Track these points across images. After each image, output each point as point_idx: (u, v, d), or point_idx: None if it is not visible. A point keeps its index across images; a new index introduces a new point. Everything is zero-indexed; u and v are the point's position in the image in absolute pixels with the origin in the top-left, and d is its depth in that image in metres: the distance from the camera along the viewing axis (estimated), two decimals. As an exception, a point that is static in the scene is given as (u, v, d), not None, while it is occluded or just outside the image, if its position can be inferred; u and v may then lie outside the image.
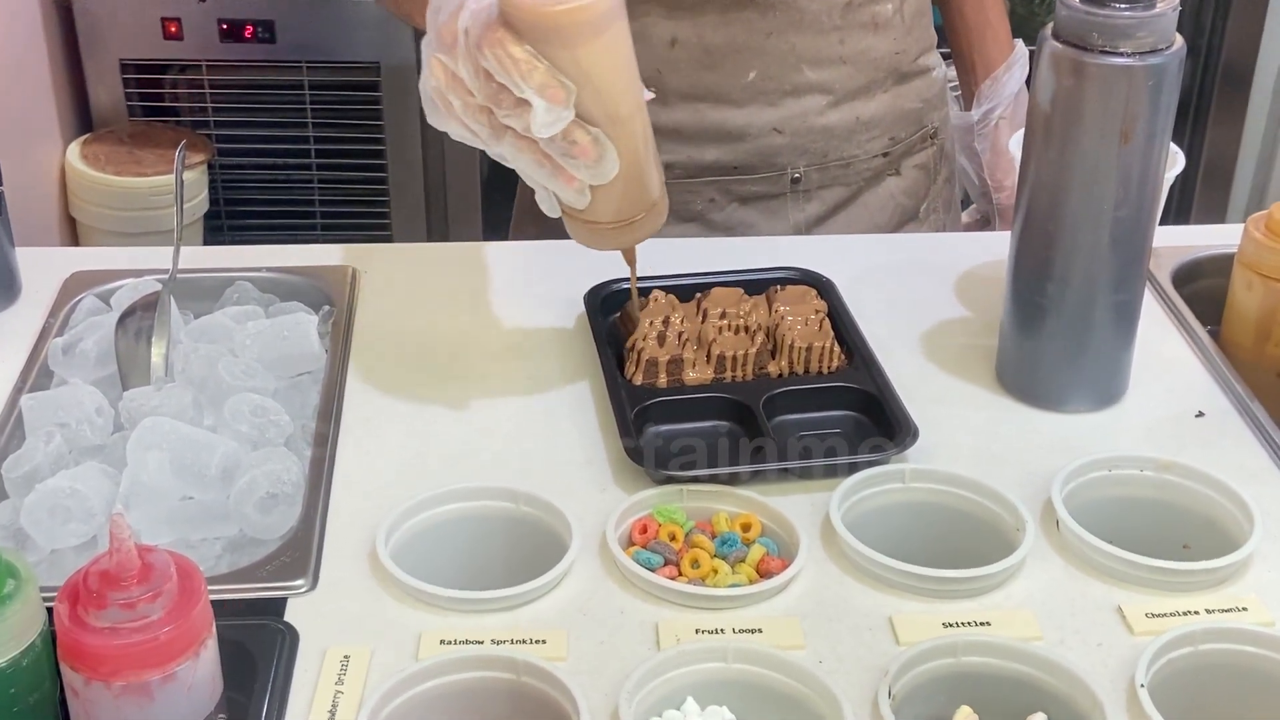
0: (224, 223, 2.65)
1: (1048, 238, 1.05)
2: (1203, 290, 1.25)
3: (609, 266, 1.22)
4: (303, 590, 0.91)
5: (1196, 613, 0.90)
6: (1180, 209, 2.97)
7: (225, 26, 2.50)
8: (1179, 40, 0.99)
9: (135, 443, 0.99)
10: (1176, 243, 1.30)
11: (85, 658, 0.76)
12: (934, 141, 1.46)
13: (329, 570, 0.93)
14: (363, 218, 2.66)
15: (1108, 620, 0.90)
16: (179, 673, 0.77)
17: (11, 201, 1.18)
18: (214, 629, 0.80)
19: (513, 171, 0.99)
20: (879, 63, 1.37)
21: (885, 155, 1.41)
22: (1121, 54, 0.98)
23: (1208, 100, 2.89)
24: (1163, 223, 1.20)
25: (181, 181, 1.19)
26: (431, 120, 0.95)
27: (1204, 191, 2.96)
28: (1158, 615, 0.90)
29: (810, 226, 1.40)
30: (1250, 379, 1.13)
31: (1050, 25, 1.01)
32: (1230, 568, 0.93)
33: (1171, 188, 1.22)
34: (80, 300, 1.18)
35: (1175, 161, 1.18)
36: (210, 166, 2.57)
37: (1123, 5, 0.97)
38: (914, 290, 1.25)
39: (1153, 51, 0.98)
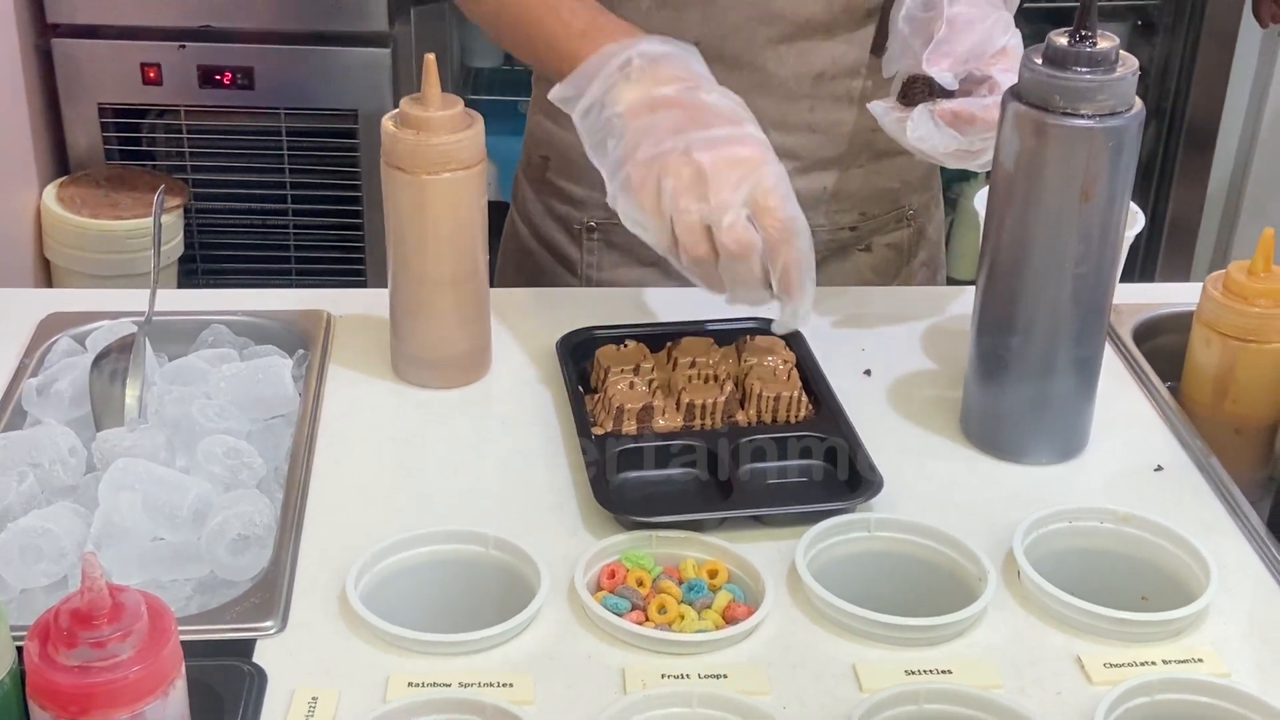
0: (198, 266, 2.67)
1: (1011, 293, 1.07)
2: (1163, 347, 1.28)
3: (581, 315, 1.24)
4: (272, 631, 0.92)
5: (1154, 663, 0.92)
6: (1145, 267, 3.02)
7: (204, 72, 2.52)
8: (1138, 103, 1.02)
9: (108, 483, 1.00)
10: (1138, 300, 1.32)
11: (54, 696, 0.76)
12: (910, 223, 1.45)
13: (298, 612, 0.94)
14: (337, 263, 2.67)
15: (1067, 669, 0.92)
16: (147, 712, 0.78)
17: (-12, 244, 1.20)
18: (183, 669, 0.80)
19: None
20: (852, 137, 1.36)
21: (853, 230, 1.41)
22: (1082, 116, 1.00)
23: (1172, 161, 2.94)
24: (1128, 280, 1.23)
25: (160, 225, 1.20)
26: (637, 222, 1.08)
27: (1168, 250, 3.01)
28: (1116, 665, 0.91)
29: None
30: (1208, 434, 1.16)
31: (1014, 86, 1.03)
32: (1187, 619, 0.95)
33: (1135, 246, 1.25)
34: (55, 341, 1.19)
35: (1135, 221, 1.21)
36: (186, 210, 2.58)
37: (1084, 69, 1.00)
38: (881, 343, 1.27)
39: (1112, 114, 1.00)
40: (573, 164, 1.38)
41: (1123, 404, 1.20)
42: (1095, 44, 1.00)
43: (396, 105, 1.11)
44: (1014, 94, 1.03)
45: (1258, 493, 1.16)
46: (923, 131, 1.14)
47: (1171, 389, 1.22)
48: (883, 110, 1.17)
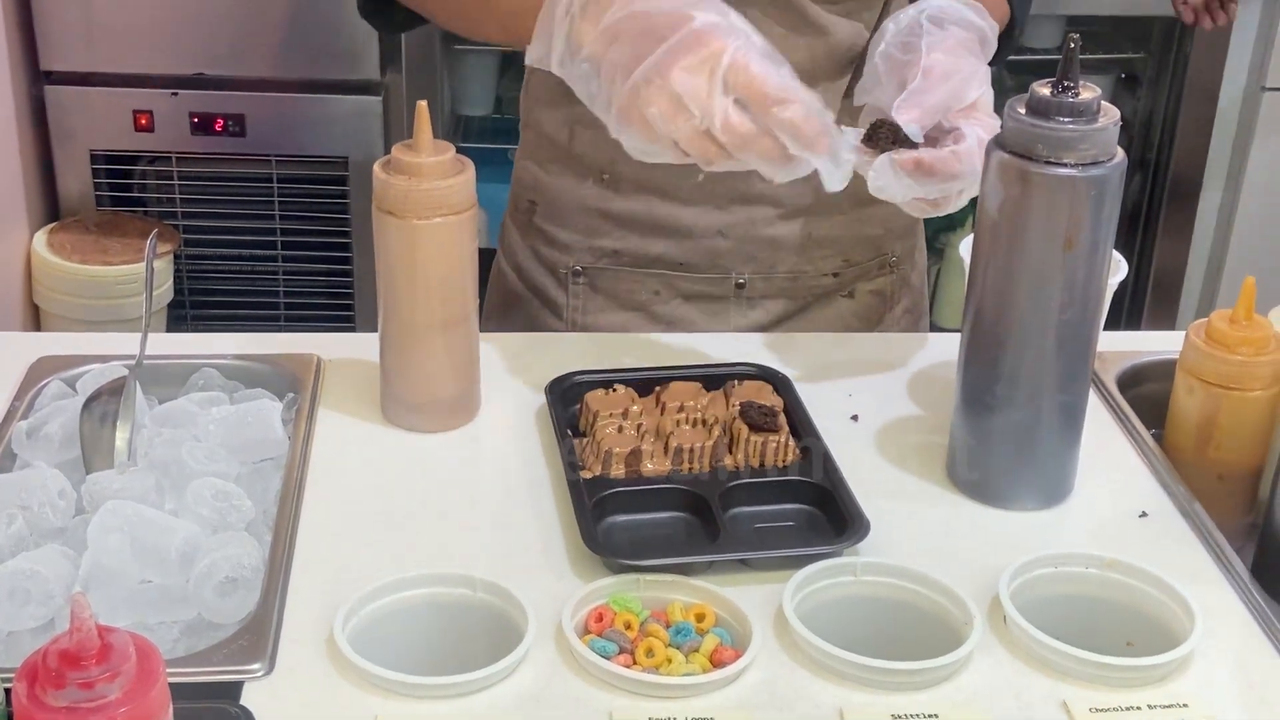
0: (188, 312, 2.68)
1: (996, 340, 1.08)
2: (1147, 394, 1.29)
3: (569, 359, 1.25)
4: (259, 674, 0.92)
5: (1139, 708, 0.92)
6: (1131, 316, 3.04)
7: (196, 120, 2.55)
8: (1120, 153, 1.03)
9: (96, 525, 1.00)
10: (1122, 348, 1.33)
11: (42, 736, 0.76)
12: (893, 270, 1.46)
13: (286, 655, 0.94)
14: (326, 309, 2.68)
15: (1053, 714, 0.92)
16: (135, 753, 0.78)
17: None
18: (171, 711, 0.80)
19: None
20: None
21: (836, 275, 1.41)
22: (1065, 165, 1.01)
23: (1157, 213, 2.97)
24: (1113, 329, 1.24)
25: (152, 269, 1.21)
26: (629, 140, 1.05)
27: (1154, 300, 3.03)
28: (1101, 710, 0.92)
29: (750, 334, 1.40)
30: (1192, 481, 1.16)
31: (998, 135, 1.05)
32: (1172, 664, 0.95)
33: (1120, 295, 1.26)
34: (46, 384, 1.19)
35: (1118, 269, 1.22)
36: (176, 256, 2.59)
37: (1066, 119, 1.01)
38: (868, 388, 1.28)
39: (1095, 163, 1.02)
40: (559, 209, 1.39)
41: (1108, 451, 1.21)
42: (1078, 94, 1.02)
43: (387, 153, 1.12)
44: (998, 143, 1.04)
45: (1241, 539, 1.16)
46: (883, 181, 1.13)
47: (1156, 436, 1.23)
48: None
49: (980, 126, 1.11)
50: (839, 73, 1.32)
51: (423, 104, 1.10)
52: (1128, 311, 3.04)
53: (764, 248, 1.38)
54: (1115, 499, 1.14)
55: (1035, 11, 2.77)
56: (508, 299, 1.46)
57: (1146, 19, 2.88)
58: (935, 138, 1.13)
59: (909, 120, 1.10)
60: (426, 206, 1.10)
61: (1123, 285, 3.12)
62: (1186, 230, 2.96)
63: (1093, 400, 1.26)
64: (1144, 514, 1.12)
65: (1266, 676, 0.96)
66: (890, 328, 1.47)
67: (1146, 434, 1.22)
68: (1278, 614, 1.01)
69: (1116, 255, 1.20)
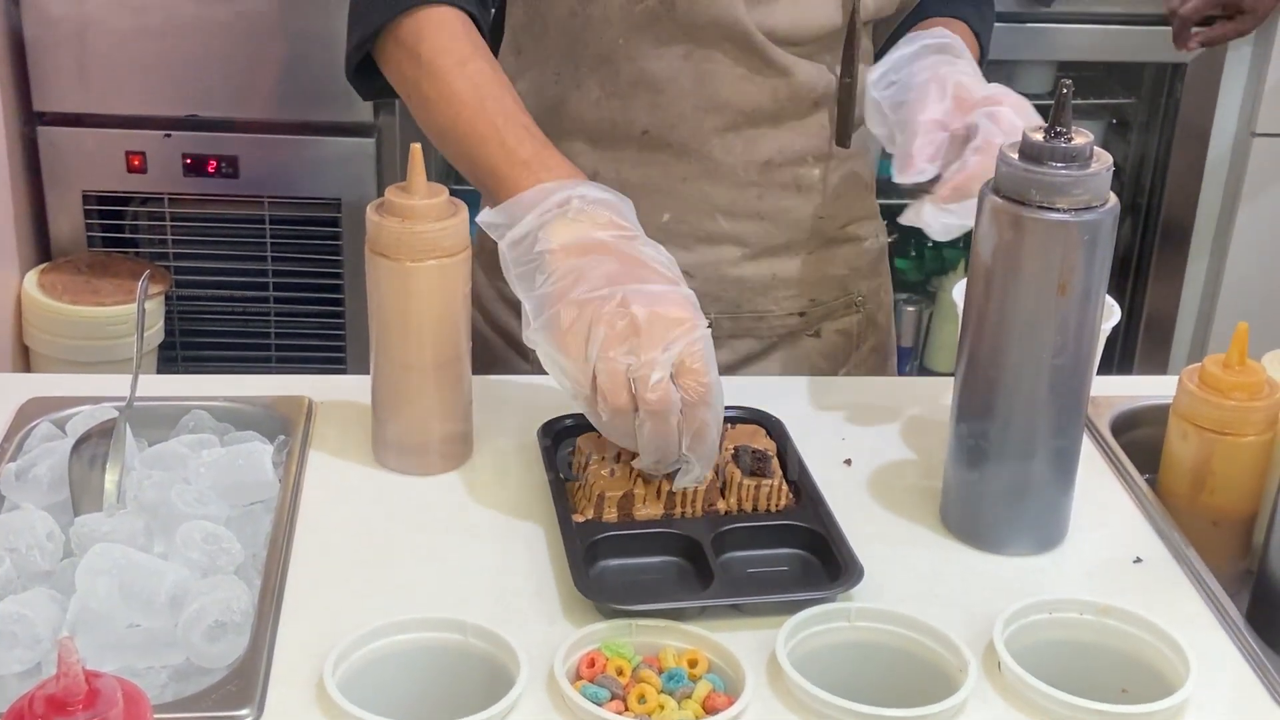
0: (178, 354, 2.67)
1: (989, 384, 1.08)
2: (1141, 439, 1.28)
3: (563, 402, 1.24)
4: (248, 719, 0.91)
5: (1134, 756, 0.92)
6: (1123, 361, 3.04)
7: (189, 161, 2.55)
8: (1113, 199, 1.03)
9: (84, 568, 1.00)
10: (1116, 393, 1.33)
11: (27, 784, 0.76)
12: (859, 310, 1.47)
13: (275, 699, 0.93)
14: (318, 350, 2.68)
15: (1048, 762, 0.91)
16: (121, 800, 0.77)
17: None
18: (158, 756, 0.80)
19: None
20: (800, 224, 1.38)
21: (802, 315, 1.42)
22: (1058, 210, 1.02)
23: (1148, 257, 2.98)
24: (1106, 373, 1.24)
25: (144, 310, 1.21)
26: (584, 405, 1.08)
27: (1145, 344, 3.04)
28: (1096, 758, 0.91)
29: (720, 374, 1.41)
30: (1186, 526, 1.16)
31: (991, 181, 1.05)
32: (1167, 711, 0.94)
33: (1112, 339, 1.26)
34: (35, 426, 1.19)
35: (1111, 314, 1.22)
36: (168, 297, 2.58)
37: (1059, 164, 1.02)
38: (862, 433, 1.28)
39: (1087, 208, 1.02)
40: None
41: (1102, 495, 1.20)
42: (1071, 139, 1.02)
43: (380, 194, 1.12)
44: (991, 188, 1.05)
45: (1236, 585, 1.16)
46: (943, 223, 1.18)
47: (1150, 481, 1.23)
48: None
49: (995, 120, 1.18)
50: (805, 112, 1.33)
51: (416, 146, 1.10)
52: (1119, 355, 3.05)
53: (730, 287, 1.38)
54: (1110, 544, 1.14)
55: (1027, 57, 2.82)
56: (477, 339, 1.45)
57: (1137, 65, 2.90)
58: (957, 152, 1.19)
59: (912, 176, 1.19)
60: (419, 249, 1.10)
61: (1115, 329, 3.12)
62: (1178, 274, 2.97)
63: (1086, 445, 1.26)
64: (1139, 559, 1.12)
65: (1263, 723, 0.96)
66: (857, 367, 1.48)
67: (1140, 479, 1.22)
68: (1273, 660, 1.01)
69: (1109, 300, 1.20)
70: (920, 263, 3.07)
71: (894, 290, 1.57)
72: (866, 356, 1.49)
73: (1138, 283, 3.02)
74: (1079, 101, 2.92)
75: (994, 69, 2.88)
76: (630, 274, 1.07)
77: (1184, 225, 2.92)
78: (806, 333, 1.44)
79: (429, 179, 1.12)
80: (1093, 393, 1.24)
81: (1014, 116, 1.19)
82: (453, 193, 1.14)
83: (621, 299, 1.05)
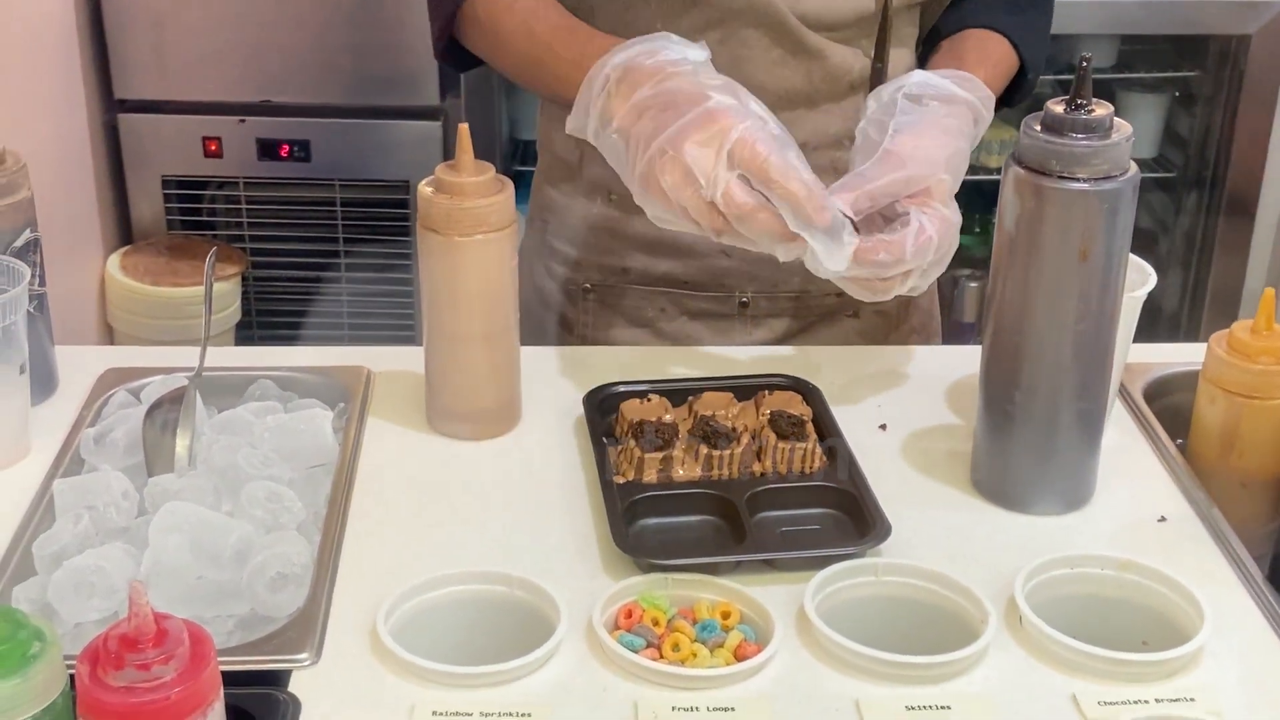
0: (255, 332, 2.75)
1: (1014, 349, 1.11)
2: (1174, 405, 1.31)
3: (607, 372, 1.30)
4: (306, 663, 0.98)
5: (1146, 701, 0.95)
6: (1189, 334, 3.04)
7: (263, 145, 2.63)
8: (1133, 168, 1.07)
9: (157, 525, 1.06)
10: (1150, 359, 1.36)
11: (102, 714, 0.82)
12: None
13: (332, 645, 0.99)
14: (389, 329, 2.75)
15: (1062, 706, 0.95)
16: (188, 731, 0.83)
17: (53, 308, 1.27)
18: (221, 693, 0.86)
19: None
20: None
21: (840, 295, 1.41)
22: (1079, 179, 1.05)
23: (1213, 230, 2.97)
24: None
25: (211, 285, 1.28)
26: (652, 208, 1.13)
27: (1211, 318, 3.03)
28: (1109, 703, 0.95)
29: (781, 346, 1.43)
30: (1216, 488, 1.19)
31: (1014, 151, 1.09)
32: (1180, 660, 0.98)
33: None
34: (112, 394, 1.26)
35: (1146, 279, 1.24)
36: (243, 278, 2.67)
37: (1079, 135, 1.05)
38: (898, 399, 1.32)
39: (1107, 178, 1.05)
40: (570, 228, 1.45)
41: (1132, 459, 1.23)
42: (1091, 111, 1.06)
43: (442, 176, 1.18)
44: (1014, 158, 1.08)
45: (1265, 545, 1.19)
46: (813, 262, 1.13)
47: (1181, 446, 1.26)
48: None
49: (928, 217, 1.12)
50: (841, 95, 1.36)
51: (464, 127, 1.16)
52: (1185, 328, 3.04)
53: (767, 267, 1.41)
54: (1136, 505, 1.17)
55: (1089, 31, 2.81)
56: (523, 312, 1.50)
57: (1202, 37, 2.89)
58: (891, 217, 1.14)
59: (843, 203, 1.11)
60: (467, 224, 1.15)
61: (1181, 301, 3.08)
62: (1244, 247, 2.96)
63: (1119, 410, 1.29)
64: (1163, 519, 1.15)
65: (1276, 675, 0.99)
66: (896, 345, 1.49)
67: (1170, 443, 1.25)
68: (1290, 614, 1.04)
69: (1145, 266, 1.23)
70: (984, 238, 3.08)
71: (958, 266, 1.58)
72: (905, 337, 1.51)
73: (1203, 256, 3.01)
74: (1143, 75, 2.93)
75: (1057, 43, 2.89)
76: (669, 114, 1.12)
77: (1249, 198, 2.91)
78: (845, 313, 1.47)
79: (492, 160, 1.18)
80: (1128, 359, 1.28)
81: (927, 225, 1.12)
82: (516, 175, 1.19)
83: (664, 145, 1.10)
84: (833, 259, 1.09)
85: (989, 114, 1.23)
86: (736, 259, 1.40)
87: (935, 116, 1.17)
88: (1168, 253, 3.06)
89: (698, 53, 1.18)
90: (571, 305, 1.46)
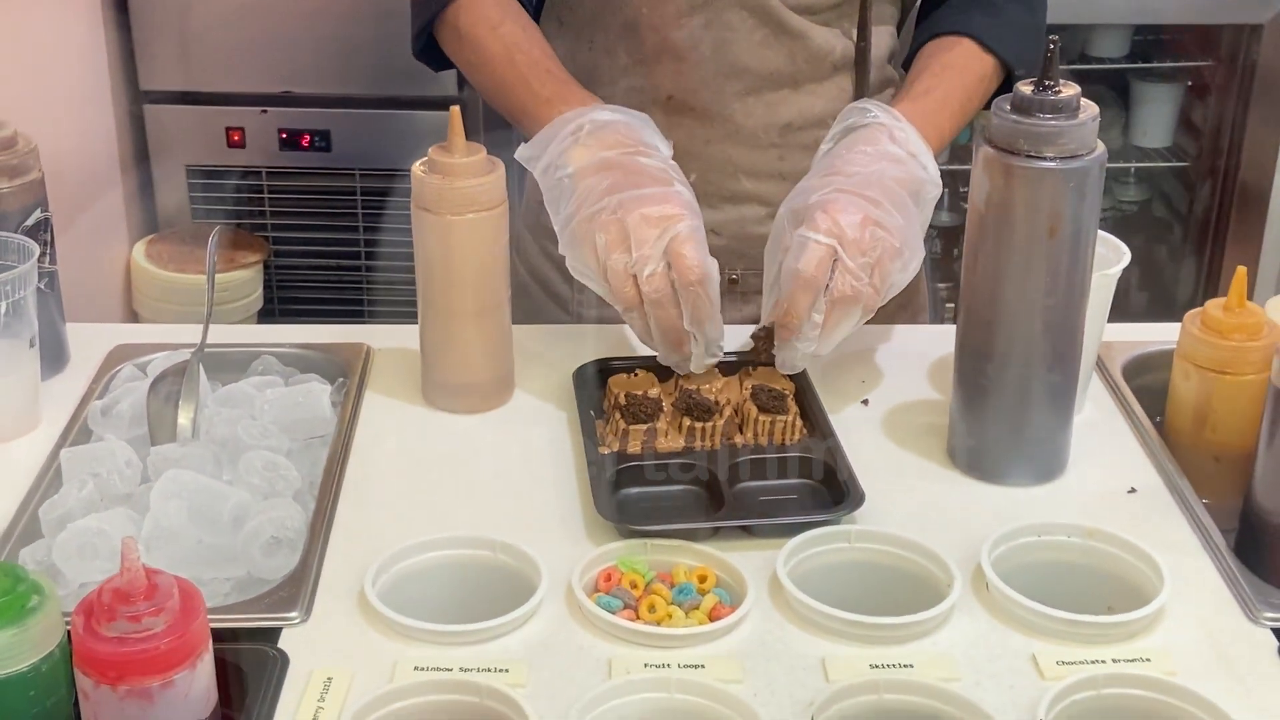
0: (277, 319, 2.80)
1: (986, 324, 1.15)
2: (1152, 383, 1.34)
3: (599, 348, 1.34)
4: (296, 622, 1.02)
5: (1104, 661, 0.98)
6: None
7: (285, 136, 2.67)
8: (1100, 147, 1.10)
9: (158, 491, 1.11)
10: (1129, 338, 1.39)
11: (95, 664, 0.86)
12: None
13: (321, 605, 1.04)
14: (408, 316, 2.78)
15: (1022, 667, 0.99)
16: (177, 681, 0.87)
17: (79, 295, 1.32)
18: (210, 645, 0.90)
19: None
20: None
21: None
22: (1046, 158, 1.08)
23: (1225, 220, 2.98)
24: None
25: (214, 262, 1.32)
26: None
27: (1226, 305, 3.03)
28: (1068, 663, 0.98)
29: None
30: (1189, 462, 1.22)
31: (984, 130, 1.12)
32: (1139, 622, 1.01)
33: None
34: (120, 369, 1.31)
35: (1120, 257, 1.27)
36: (265, 266, 2.72)
37: (1047, 115, 1.08)
38: (883, 376, 1.35)
39: (1074, 156, 1.08)
40: None
41: (1107, 435, 1.26)
42: (1059, 92, 1.09)
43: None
44: (985, 138, 1.11)
45: (1235, 518, 1.22)
46: (782, 358, 1.21)
47: (1158, 423, 1.29)
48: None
49: (794, 252, 1.17)
50: (824, 75, 1.40)
51: (455, 109, 1.20)
52: (1200, 318, 3.05)
53: (755, 245, 1.43)
54: (1107, 477, 1.20)
55: (1103, 21, 2.83)
56: (517, 291, 1.54)
57: (1215, 27, 2.90)
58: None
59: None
60: (459, 203, 1.19)
61: (1194, 289, 3.07)
62: (1256, 238, 2.97)
63: (1098, 388, 1.32)
64: (1133, 490, 1.18)
65: (1233, 637, 1.02)
66: (884, 321, 1.52)
67: (1146, 419, 1.28)
68: (1250, 581, 1.06)
69: (1119, 244, 1.26)
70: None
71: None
72: (894, 314, 1.51)
73: (1215, 245, 3.02)
74: (1155, 65, 2.95)
75: (1070, 33, 2.90)
76: (628, 182, 1.18)
77: (1262, 187, 2.92)
78: None
79: (475, 140, 1.22)
80: (1107, 338, 1.31)
81: (818, 236, 1.16)
82: (491, 152, 1.23)
83: (615, 206, 1.17)
84: (698, 365, 1.21)
85: (922, 169, 1.24)
86: (726, 237, 1.44)
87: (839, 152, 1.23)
88: (1181, 241, 3.07)
89: (666, 148, 1.25)
90: (565, 283, 1.50)
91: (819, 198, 1.18)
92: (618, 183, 1.18)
